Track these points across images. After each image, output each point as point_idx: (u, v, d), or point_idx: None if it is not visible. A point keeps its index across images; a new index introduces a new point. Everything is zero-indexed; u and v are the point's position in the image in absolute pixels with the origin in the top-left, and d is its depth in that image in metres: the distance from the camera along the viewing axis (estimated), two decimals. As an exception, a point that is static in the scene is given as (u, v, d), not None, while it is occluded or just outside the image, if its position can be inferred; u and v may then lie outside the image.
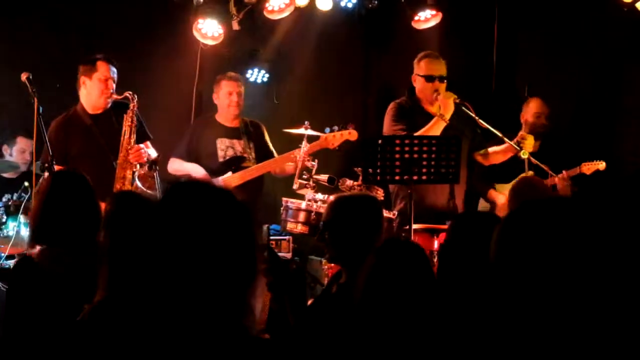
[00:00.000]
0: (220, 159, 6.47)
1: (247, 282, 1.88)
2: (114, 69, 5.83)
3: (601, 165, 6.39)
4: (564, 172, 6.20)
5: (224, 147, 6.51)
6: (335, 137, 6.17)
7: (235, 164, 6.44)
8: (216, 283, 1.82)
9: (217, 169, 6.40)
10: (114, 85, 5.80)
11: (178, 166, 6.46)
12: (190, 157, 6.51)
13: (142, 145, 5.74)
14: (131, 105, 5.71)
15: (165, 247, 1.82)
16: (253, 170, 6.35)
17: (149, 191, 5.72)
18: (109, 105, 5.84)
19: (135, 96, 5.73)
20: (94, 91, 5.78)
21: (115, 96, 5.77)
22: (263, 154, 6.56)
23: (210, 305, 1.81)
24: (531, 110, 6.80)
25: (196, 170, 6.30)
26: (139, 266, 2.38)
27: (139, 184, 5.64)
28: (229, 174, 6.35)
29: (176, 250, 1.82)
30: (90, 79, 5.77)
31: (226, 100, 6.58)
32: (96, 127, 5.79)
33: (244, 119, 6.70)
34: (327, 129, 6.19)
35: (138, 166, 5.65)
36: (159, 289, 1.82)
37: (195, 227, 1.84)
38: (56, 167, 5.46)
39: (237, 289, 1.85)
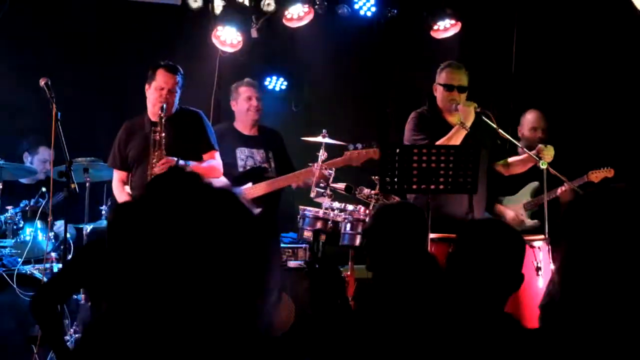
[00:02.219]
0: (240, 169, 6.43)
1: (256, 288, 1.86)
2: (177, 77, 5.78)
3: (609, 172, 6.31)
4: (565, 184, 6.14)
5: (244, 157, 6.47)
6: (359, 155, 6.14)
7: (256, 175, 6.40)
8: (223, 288, 1.80)
9: (236, 179, 6.35)
10: (177, 94, 5.78)
11: None
12: None
13: (172, 158, 5.62)
14: (162, 119, 5.67)
15: (169, 250, 1.80)
16: (274, 183, 6.30)
17: None
18: (173, 112, 5.79)
19: (165, 109, 5.68)
20: (151, 99, 5.77)
21: (175, 105, 5.78)
22: (283, 164, 6.53)
23: (217, 309, 1.80)
24: (527, 123, 6.74)
25: (217, 182, 6.25)
26: (140, 274, 2.40)
27: None
28: (249, 184, 6.32)
29: (181, 254, 1.80)
30: (149, 87, 5.78)
31: (246, 104, 6.53)
32: (153, 133, 5.77)
33: (261, 126, 6.66)
34: (351, 146, 6.15)
35: None
36: (162, 295, 1.81)
37: (201, 231, 1.82)
38: (115, 172, 5.87)
39: (245, 294, 1.83)
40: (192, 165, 5.68)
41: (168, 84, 5.74)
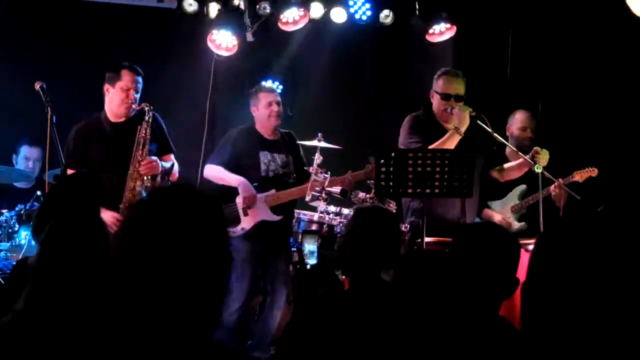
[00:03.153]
0: (263, 173, 6.36)
1: (217, 290, 1.87)
2: (139, 79, 5.79)
3: (593, 172, 6.31)
4: (559, 179, 6.15)
5: (267, 161, 6.39)
6: (358, 176, 6.18)
7: (280, 181, 6.38)
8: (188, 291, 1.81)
9: (259, 183, 6.33)
10: (137, 96, 5.78)
11: (221, 175, 6.34)
12: (231, 166, 6.37)
13: (154, 158, 5.72)
14: (146, 117, 5.70)
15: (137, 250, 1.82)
16: (294, 192, 6.27)
17: None
18: (132, 114, 5.81)
19: (151, 108, 5.72)
20: (115, 99, 5.75)
21: (134, 106, 5.75)
22: (301, 170, 6.48)
23: (178, 312, 1.81)
24: (517, 123, 6.72)
25: (245, 186, 6.23)
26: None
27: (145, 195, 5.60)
28: (273, 191, 6.29)
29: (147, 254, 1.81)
30: (113, 87, 5.75)
31: (267, 111, 6.44)
32: (116, 135, 5.78)
33: (280, 130, 6.60)
34: (372, 158, 6.14)
35: (149, 177, 5.64)
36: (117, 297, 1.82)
37: (171, 231, 1.83)
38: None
39: (207, 298, 1.84)
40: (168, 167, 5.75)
41: (135, 85, 5.76)
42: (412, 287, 2.78)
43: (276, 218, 6.22)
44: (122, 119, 5.80)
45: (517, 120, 6.69)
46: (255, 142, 6.45)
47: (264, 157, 6.39)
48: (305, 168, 6.22)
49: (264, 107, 6.45)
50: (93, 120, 5.85)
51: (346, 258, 3.72)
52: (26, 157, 6.91)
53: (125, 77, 5.75)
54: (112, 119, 5.80)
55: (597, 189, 6.15)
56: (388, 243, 3.69)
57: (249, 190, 6.20)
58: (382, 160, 5.14)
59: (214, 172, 6.37)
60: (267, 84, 6.67)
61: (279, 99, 6.52)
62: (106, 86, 5.79)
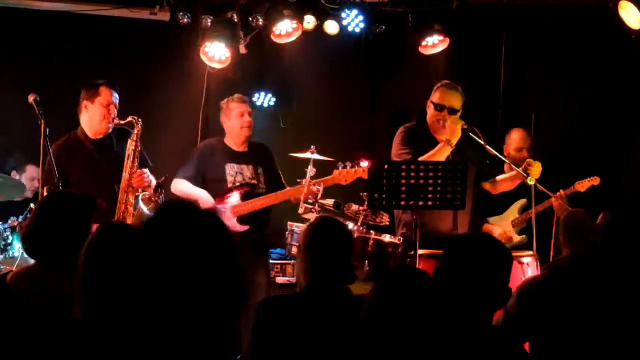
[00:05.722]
0: (229, 184, 6.36)
1: (232, 309, 1.87)
2: (116, 95, 5.82)
3: (595, 181, 6.36)
4: (561, 191, 6.18)
5: (233, 173, 6.40)
6: (348, 174, 6.17)
7: (245, 191, 6.36)
8: (199, 310, 1.81)
9: (224, 195, 6.33)
10: (116, 111, 5.78)
11: (185, 189, 6.34)
12: (197, 180, 6.41)
13: (145, 170, 5.74)
14: (135, 130, 5.71)
15: (149, 270, 1.81)
16: (263, 200, 6.27)
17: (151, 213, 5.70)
18: (110, 130, 5.83)
19: (140, 121, 5.73)
20: (95, 116, 5.76)
21: (117, 121, 5.75)
22: (273, 181, 6.50)
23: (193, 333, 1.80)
24: (513, 143, 6.78)
25: (205, 199, 6.19)
26: (116, 293, 2.40)
27: (142, 206, 5.61)
28: (238, 201, 6.30)
29: (159, 274, 1.81)
30: (92, 103, 5.76)
31: (238, 121, 6.46)
32: (97, 152, 5.78)
33: (251, 142, 6.62)
34: (340, 164, 6.17)
35: (140, 190, 5.64)
36: (140, 314, 1.82)
37: (179, 251, 1.83)
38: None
39: (218, 314, 1.85)
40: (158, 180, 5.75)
41: (114, 100, 5.79)
42: (397, 300, 2.79)
43: (242, 229, 6.15)
44: (101, 135, 5.82)
45: (513, 141, 6.75)
46: (222, 155, 6.47)
47: (230, 169, 6.41)
48: (298, 180, 6.21)
49: (236, 118, 6.48)
50: (72, 138, 5.85)
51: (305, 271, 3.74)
52: (32, 177, 6.91)
53: (104, 93, 5.77)
54: (92, 135, 5.82)
55: (599, 199, 6.18)
56: (341, 252, 3.72)
57: (208, 202, 6.16)
58: (375, 173, 5.15)
59: (180, 187, 6.38)
60: (237, 94, 6.64)
61: (250, 109, 6.55)
62: (84, 103, 5.80)
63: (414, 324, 2.76)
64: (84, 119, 5.83)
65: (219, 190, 6.32)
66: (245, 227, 6.17)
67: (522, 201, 6.52)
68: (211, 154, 6.47)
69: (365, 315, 2.85)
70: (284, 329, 3.52)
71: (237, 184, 6.37)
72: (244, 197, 6.30)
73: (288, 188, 6.34)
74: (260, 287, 6.24)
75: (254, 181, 6.42)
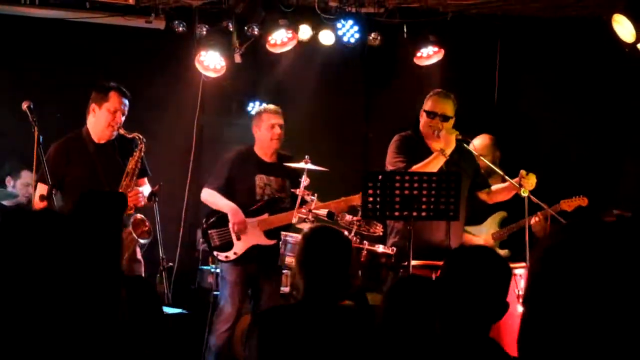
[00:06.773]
0: (258, 197, 6.36)
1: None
2: (126, 101, 5.78)
3: (583, 201, 6.28)
4: (538, 213, 6.16)
5: (262, 185, 6.38)
6: (346, 203, 6.17)
7: (273, 206, 6.36)
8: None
9: (252, 207, 6.32)
10: (123, 118, 5.76)
11: (214, 200, 6.35)
12: (226, 190, 6.37)
13: (140, 189, 5.74)
14: (139, 148, 5.69)
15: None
16: (286, 217, 6.22)
17: (140, 240, 5.71)
18: (114, 136, 5.81)
19: (144, 140, 5.72)
20: (101, 121, 5.73)
21: (122, 131, 5.71)
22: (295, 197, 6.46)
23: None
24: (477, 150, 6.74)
25: (234, 213, 6.23)
26: None
27: (132, 231, 5.64)
28: (265, 216, 6.29)
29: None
30: (100, 108, 5.73)
31: (268, 133, 6.42)
32: (98, 156, 5.76)
33: (280, 152, 6.56)
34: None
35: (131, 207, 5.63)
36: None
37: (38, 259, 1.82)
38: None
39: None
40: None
41: (122, 107, 5.75)
42: (403, 313, 2.79)
43: (269, 243, 6.24)
44: (105, 140, 5.80)
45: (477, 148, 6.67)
46: (252, 165, 6.44)
47: (260, 180, 6.39)
48: (292, 190, 6.21)
49: (267, 129, 6.44)
50: (75, 137, 5.83)
51: (300, 285, 3.72)
52: (27, 183, 6.89)
53: (113, 99, 5.73)
54: (96, 139, 5.79)
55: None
56: (339, 263, 3.70)
57: (238, 216, 6.20)
58: (370, 183, 5.15)
59: (209, 197, 6.39)
60: (272, 105, 6.60)
61: (282, 121, 6.49)
62: (92, 105, 5.77)
63: (424, 333, 2.76)
64: (91, 121, 5.80)
65: (247, 200, 6.32)
66: (273, 242, 6.22)
67: (502, 214, 6.48)
68: (242, 164, 6.44)
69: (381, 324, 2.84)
70: (280, 340, 3.50)
71: (265, 196, 6.36)
72: (272, 212, 6.31)
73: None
74: (270, 296, 6.32)
75: (282, 195, 6.42)
